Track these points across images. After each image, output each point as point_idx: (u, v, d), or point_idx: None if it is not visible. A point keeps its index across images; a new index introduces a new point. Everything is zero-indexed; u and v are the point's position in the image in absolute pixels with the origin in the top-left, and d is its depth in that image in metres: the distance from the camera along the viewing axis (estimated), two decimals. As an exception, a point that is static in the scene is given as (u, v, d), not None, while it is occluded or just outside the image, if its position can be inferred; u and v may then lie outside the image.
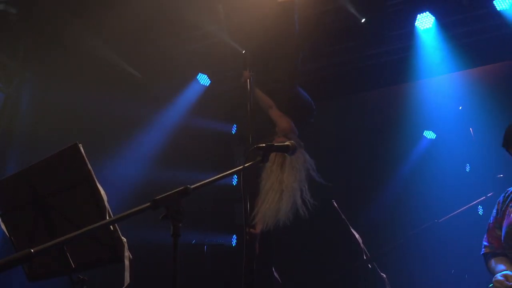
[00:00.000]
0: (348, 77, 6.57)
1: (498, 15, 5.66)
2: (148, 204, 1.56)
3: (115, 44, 6.07)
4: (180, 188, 1.64)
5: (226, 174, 1.94)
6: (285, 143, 2.24)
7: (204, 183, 1.80)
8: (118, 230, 1.81)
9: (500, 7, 5.38)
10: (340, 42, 6.47)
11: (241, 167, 2.04)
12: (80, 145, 1.83)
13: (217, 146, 7.31)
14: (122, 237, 1.84)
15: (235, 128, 7.38)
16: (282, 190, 3.02)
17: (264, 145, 2.13)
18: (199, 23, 6.32)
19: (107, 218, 1.78)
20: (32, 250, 1.25)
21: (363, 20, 5.76)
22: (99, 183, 1.84)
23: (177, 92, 6.95)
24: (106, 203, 1.81)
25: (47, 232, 1.87)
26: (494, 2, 5.35)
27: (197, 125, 6.98)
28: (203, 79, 6.84)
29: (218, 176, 1.89)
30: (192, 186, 1.68)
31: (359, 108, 6.87)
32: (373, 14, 5.67)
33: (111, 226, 1.78)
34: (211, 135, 7.23)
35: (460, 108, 6.35)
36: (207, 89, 6.94)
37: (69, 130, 5.40)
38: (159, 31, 6.53)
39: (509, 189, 3.07)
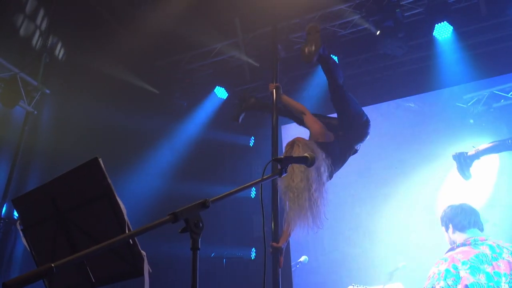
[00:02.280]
0: (363, 88, 6.53)
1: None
2: (168, 217, 1.55)
3: (132, 61, 6.16)
4: (199, 201, 1.63)
5: (244, 187, 1.93)
6: (304, 155, 2.23)
7: (223, 195, 1.79)
8: (138, 244, 1.81)
9: (520, 14, 5.30)
10: (358, 53, 6.46)
11: (260, 179, 2.02)
12: (100, 159, 1.84)
13: (235, 158, 7.31)
14: (142, 251, 1.83)
15: (253, 141, 7.39)
16: (293, 192, 2.99)
17: (282, 157, 2.12)
18: (216, 37, 6.40)
19: (127, 232, 1.78)
20: (52, 265, 1.25)
21: (378, 33, 5.75)
22: (119, 196, 1.85)
23: (195, 106, 7.01)
24: (125, 217, 1.80)
25: (68, 246, 1.87)
26: (513, 9, 5.28)
27: (215, 138, 7.01)
28: (221, 92, 6.88)
29: (236, 188, 1.87)
30: (211, 199, 1.67)
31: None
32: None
33: (130, 240, 1.77)
34: (229, 147, 7.25)
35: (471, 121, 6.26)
36: (224, 102, 6.98)
37: (89, 144, 5.47)
38: (176, 46, 6.63)
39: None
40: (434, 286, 3.32)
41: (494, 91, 6.17)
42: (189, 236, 1.59)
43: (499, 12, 5.58)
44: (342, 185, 6.16)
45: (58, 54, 6.04)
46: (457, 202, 3.90)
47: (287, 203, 3.03)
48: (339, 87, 3.48)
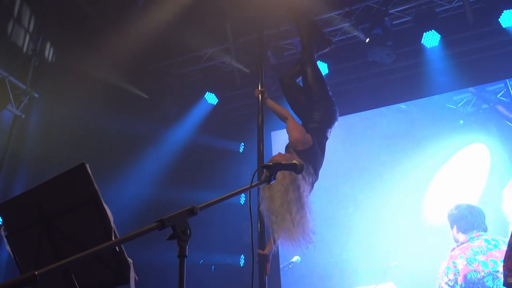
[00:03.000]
0: (352, 95, 6.57)
1: (503, 32, 5.67)
2: (155, 224, 1.54)
3: (122, 65, 6.14)
4: (187, 208, 1.62)
5: (233, 194, 1.92)
6: (293, 162, 2.23)
7: (211, 202, 1.78)
8: (124, 251, 1.79)
9: (506, 24, 5.38)
10: (347, 60, 6.51)
11: (249, 186, 2.02)
12: (87, 165, 1.82)
13: (224, 164, 7.29)
14: (128, 258, 1.82)
15: (243, 147, 7.38)
16: (275, 215, 2.98)
17: (271, 163, 2.12)
18: (207, 42, 6.40)
19: (113, 238, 1.76)
20: (36, 273, 1.24)
21: (367, 40, 5.80)
22: (106, 202, 1.83)
23: (184, 111, 6.98)
24: (112, 224, 1.79)
25: (53, 253, 1.85)
26: (499, 19, 5.36)
27: (205, 143, 6.99)
28: (211, 98, 6.87)
29: (225, 195, 1.87)
30: (199, 206, 1.66)
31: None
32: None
33: (117, 247, 1.75)
34: (218, 153, 7.23)
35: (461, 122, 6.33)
36: (215, 107, 6.97)
37: (77, 149, 5.42)
38: (166, 51, 6.62)
39: None
40: (440, 283, 3.67)
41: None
42: (177, 243, 1.58)
43: (486, 21, 5.66)
44: (333, 187, 6.21)
45: (48, 58, 6.00)
46: (463, 202, 4.04)
47: (272, 226, 3.03)
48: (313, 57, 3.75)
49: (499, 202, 5.56)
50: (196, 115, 6.98)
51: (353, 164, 6.63)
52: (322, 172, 3.46)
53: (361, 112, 6.58)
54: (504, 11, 5.29)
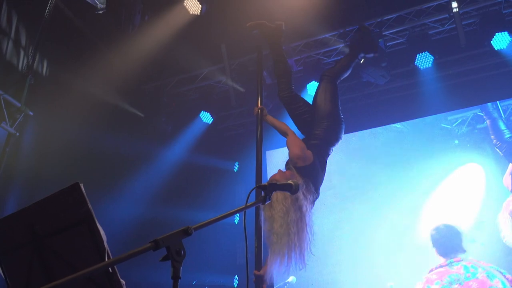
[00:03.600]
0: (346, 115, 6.61)
1: (496, 54, 5.76)
2: (149, 244, 1.52)
3: (118, 83, 6.16)
4: (181, 228, 1.61)
5: (228, 214, 1.91)
6: (288, 182, 2.22)
7: (206, 222, 1.77)
8: (117, 272, 1.76)
9: (498, 46, 5.47)
10: (341, 81, 6.56)
11: (244, 206, 2.01)
12: (81, 184, 1.80)
13: (219, 184, 7.27)
14: (121, 280, 1.79)
15: (237, 166, 7.37)
16: (275, 236, 2.93)
17: (266, 184, 2.12)
18: (202, 62, 6.45)
19: (106, 259, 1.74)
20: (27, 294, 1.21)
21: (362, 61, 5.86)
22: (99, 222, 1.81)
23: (179, 130, 6.99)
24: (105, 244, 1.76)
25: (44, 274, 1.81)
26: (492, 42, 5.45)
27: (199, 163, 6.97)
28: (206, 117, 6.88)
29: (220, 215, 1.86)
30: (194, 226, 1.65)
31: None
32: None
33: (110, 268, 1.73)
34: (213, 173, 7.21)
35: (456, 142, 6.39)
36: (210, 126, 6.98)
37: (71, 168, 5.39)
38: (162, 70, 6.66)
39: None
40: None
41: (478, 113, 6.33)
42: (170, 264, 1.56)
43: (478, 43, 5.76)
44: (329, 206, 6.19)
45: (43, 76, 6.00)
46: (443, 222, 4.04)
47: (271, 246, 2.98)
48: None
49: (494, 224, 5.58)
50: (191, 134, 6.98)
51: (347, 183, 6.64)
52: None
53: (356, 132, 6.62)
54: (496, 33, 5.38)
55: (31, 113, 5.74)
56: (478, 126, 6.49)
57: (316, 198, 3.32)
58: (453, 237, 4.00)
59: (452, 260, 3.84)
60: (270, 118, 3.78)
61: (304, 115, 3.73)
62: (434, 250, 4.06)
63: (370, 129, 6.66)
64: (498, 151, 6.09)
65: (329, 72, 3.85)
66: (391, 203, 6.28)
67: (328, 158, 3.55)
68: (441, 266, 3.85)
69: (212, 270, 6.58)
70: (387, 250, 6.04)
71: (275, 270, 2.97)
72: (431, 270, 3.89)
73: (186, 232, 1.61)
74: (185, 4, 5.50)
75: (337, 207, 6.47)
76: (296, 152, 3.28)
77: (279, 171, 3.29)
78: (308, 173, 3.23)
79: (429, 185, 6.27)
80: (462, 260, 3.79)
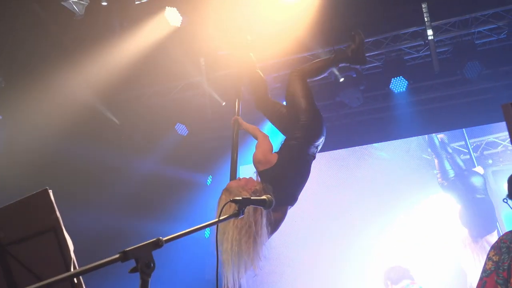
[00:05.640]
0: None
1: (467, 83, 5.97)
2: (117, 255, 1.49)
3: (94, 91, 6.07)
4: (152, 240, 1.58)
5: (200, 227, 1.89)
6: (262, 197, 2.22)
7: (177, 235, 1.74)
8: (83, 284, 1.71)
9: (469, 75, 5.67)
10: (318, 100, 6.65)
11: (216, 220, 2.00)
12: (50, 191, 1.76)
13: (191, 197, 7.20)
14: (87, 291, 1.74)
15: (210, 180, 7.33)
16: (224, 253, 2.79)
17: (240, 198, 2.10)
18: (180, 74, 6.43)
19: (72, 269, 1.69)
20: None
21: (341, 80, 5.97)
22: (67, 231, 1.76)
23: (154, 141, 6.92)
24: (72, 254, 1.71)
25: (6, 283, 1.75)
26: (464, 70, 5.64)
27: (173, 175, 6.90)
28: (181, 129, 6.84)
29: (191, 228, 1.83)
30: (164, 238, 1.62)
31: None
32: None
33: (75, 279, 1.68)
34: (186, 185, 7.14)
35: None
36: (184, 139, 6.93)
37: (40, 174, 5.25)
38: (139, 81, 6.60)
39: (505, 237, 2.79)
40: None
41: (455, 147, 6.57)
42: (139, 276, 1.53)
43: (451, 71, 5.95)
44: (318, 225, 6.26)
45: (14, 79, 5.86)
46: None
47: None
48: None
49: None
50: (165, 146, 6.92)
51: (324, 209, 6.71)
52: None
53: (334, 151, 6.74)
54: (468, 63, 5.58)
55: (0, 117, 5.60)
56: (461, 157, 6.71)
57: (290, 204, 3.15)
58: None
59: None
60: (244, 124, 3.68)
61: (284, 119, 3.58)
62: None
63: (356, 154, 6.81)
64: (440, 187, 6.42)
65: (298, 70, 3.61)
66: (368, 231, 6.37)
67: (312, 160, 3.30)
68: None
69: (181, 284, 6.47)
70: (362, 277, 6.14)
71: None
72: None
73: (157, 244, 1.57)
74: (165, 15, 5.49)
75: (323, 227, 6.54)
76: (256, 156, 3.21)
77: (238, 178, 3.22)
78: (269, 177, 3.09)
79: (410, 213, 6.40)
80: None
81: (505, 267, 2.68)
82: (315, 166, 3.35)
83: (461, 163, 6.46)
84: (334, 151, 6.79)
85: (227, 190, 3.03)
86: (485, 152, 6.46)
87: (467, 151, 6.51)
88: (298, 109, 3.41)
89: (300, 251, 6.48)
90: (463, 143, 6.55)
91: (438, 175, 6.50)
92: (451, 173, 6.43)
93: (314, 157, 3.34)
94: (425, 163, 6.67)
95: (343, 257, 6.32)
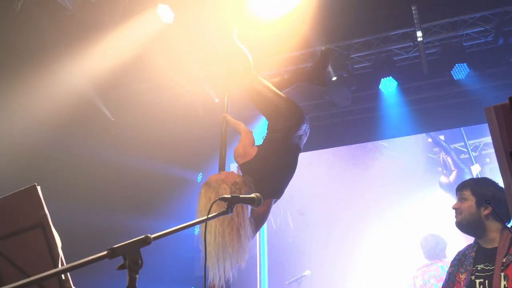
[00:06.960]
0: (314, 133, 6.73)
1: (455, 84, 6.04)
2: (105, 252, 1.49)
3: (85, 85, 6.03)
4: (140, 237, 1.58)
5: (189, 224, 1.90)
6: (251, 195, 2.23)
7: (166, 232, 1.75)
8: (70, 280, 1.71)
9: (457, 76, 5.74)
10: (309, 99, 6.68)
11: (205, 217, 2.01)
12: (39, 187, 1.75)
13: (181, 194, 7.20)
14: (74, 287, 1.74)
15: (201, 177, 7.33)
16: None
17: (229, 196, 2.12)
18: (173, 72, 6.41)
19: (59, 266, 1.69)
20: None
21: (334, 78, 6.00)
22: (55, 227, 1.76)
23: (145, 137, 6.89)
24: (59, 250, 1.71)
25: (-8, 279, 1.74)
26: (452, 72, 5.71)
27: (163, 172, 6.89)
28: (174, 126, 6.82)
29: (180, 226, 1.84)
30: (153, 235, 1.63)
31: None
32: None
33: (62, 276, 1.68)
34: (176, 182, 7.14)
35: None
36: (175, 136, 6.93)
37: (29, 170, 5.21)
38: (133, 77, 6.57)
39: (461, 250, 2.99)
40: None
41: (457, 147, 6.65)
42: (127, 273, 1.54)
43: (439, 72, 6.02)
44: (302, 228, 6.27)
45: (3, 73, 5.80)
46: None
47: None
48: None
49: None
50: (156, 142, 6.90)
51: (331, 204, 6.72)
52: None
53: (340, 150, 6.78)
54: (456, 64, 5.65)
55: (-12, 111, 5.53)
56: (461, 156, 6.80)
57: (274, 199, 3.11)
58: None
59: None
60: (231, 121, 3.62)
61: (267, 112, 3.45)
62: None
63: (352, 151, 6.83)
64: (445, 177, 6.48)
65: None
66: (370, 228, 6.41)
67: (298, 152, 3.25)
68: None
69: (169, 281, 6.47)
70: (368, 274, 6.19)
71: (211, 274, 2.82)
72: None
73: (145, 241, 1.58)
74: (157, 12, 5.47)
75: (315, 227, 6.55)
76: (236, 150, 3.25)
77: (219, 172, 3.23)
78: (250, 169, 3.09)
79: (415, 210, 6.44)
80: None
81: (452, 279, 2.84)
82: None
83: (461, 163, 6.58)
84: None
85: (206, 183, 3.04)
86: (483, 152, 6.59)
87: (466, 150, 6.64)
88: (272, 102, 3.33)
89: (313, 246, 6.52)
90: (462, 143, 6.69)
91: (440, 169, 6.58)
92: (453, 171, 6.52)
93: (299, 149, 3.27)
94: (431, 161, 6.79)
95: (348, 257, 6.36)
